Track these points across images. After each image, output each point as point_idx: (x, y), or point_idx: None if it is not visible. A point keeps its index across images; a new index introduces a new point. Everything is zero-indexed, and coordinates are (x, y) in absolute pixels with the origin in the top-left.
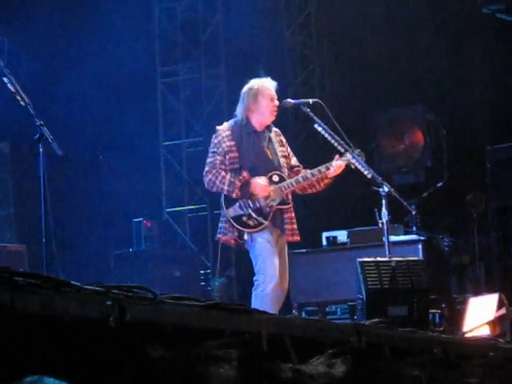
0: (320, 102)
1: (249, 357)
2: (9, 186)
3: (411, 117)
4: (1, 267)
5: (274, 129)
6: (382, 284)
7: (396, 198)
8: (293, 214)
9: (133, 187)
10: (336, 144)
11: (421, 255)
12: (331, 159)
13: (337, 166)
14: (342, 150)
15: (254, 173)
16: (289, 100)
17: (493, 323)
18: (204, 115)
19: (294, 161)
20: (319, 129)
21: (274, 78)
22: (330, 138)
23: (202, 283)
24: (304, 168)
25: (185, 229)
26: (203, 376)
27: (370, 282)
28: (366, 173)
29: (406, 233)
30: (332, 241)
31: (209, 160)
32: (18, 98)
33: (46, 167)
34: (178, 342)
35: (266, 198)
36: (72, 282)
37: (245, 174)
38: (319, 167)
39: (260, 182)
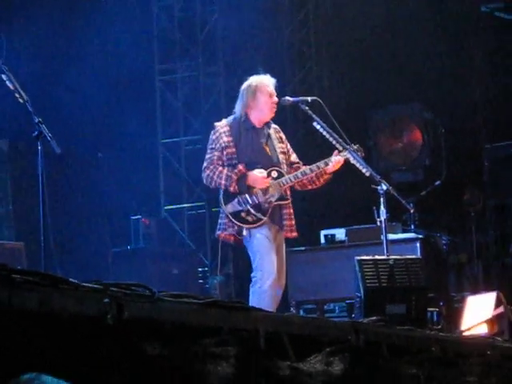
0: (318, 99)
1: (246, 354)
2: (7, 184)
3: (409, 115)
4: None
5: (274, 125)
6: (380, 282)
7: (394, 196)
8: (291, 210)
9: (131, 185)
10: (334, 142)
11: (419, 253)
12: (329, 156)
13: (335, 161)
14: (341, 148)
15: (252, 168)
16: (287, 98)
17: (491, 321)
18: (202, 113)
19: (293, 157)
20: (318, 127)
21: (272, 76)
22: (328, 136)
23: (200, 281)
24: (304, 165)
25: (183, 226)
26: (201, 374)
27: (368, 280)
28: (364, 171)
29: (404, 231)
30: (330, 239)
31: (207, 156)
32: (17, 95)
33: (44, 165)
34: (175, 339)
35: (265, 193)
36: (70, 279)
37: (240, 167)
38: (318, 163)
39: (257, 174)
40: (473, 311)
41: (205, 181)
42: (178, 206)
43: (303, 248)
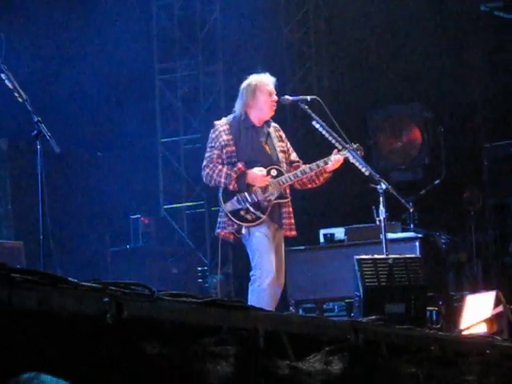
0: (318, 99)
1: (246, 354)
2: (6, 183)
3: (409, 114)
4: None
5: (273, 124)
6: (380, 281)
7: (393, 196)
8: (291, 209)
9: (130, 184)
10: (334, 141)
11: (418, 252)
12: (329, 156)
13: (335, 160)
14: (340, 147)
15: (252, 167)
16: (287, 97)
17: (490, 321)
18: (202, 112)
19: (293, 156)
20: (317, 126)
21: (272, 75)
22: (327, 135)
23: (200, 280)
24: (304, 164)
25: (182, 226)
26: (200, 373)
27: (367, 280)
28: (363, 170)
29: (404, 230)
30: (329, 238)
31: (207, 154)
32: (16, 94)
33: (43, 164)
34: (175, 338)
35: (264, 192)
36: (69, 278)
37: (240, 165)
38: (317, 162)
39: (257, 172)
40: (472, 310)
41: (204, 179)
42: (178, 205)
43: (302, 247)
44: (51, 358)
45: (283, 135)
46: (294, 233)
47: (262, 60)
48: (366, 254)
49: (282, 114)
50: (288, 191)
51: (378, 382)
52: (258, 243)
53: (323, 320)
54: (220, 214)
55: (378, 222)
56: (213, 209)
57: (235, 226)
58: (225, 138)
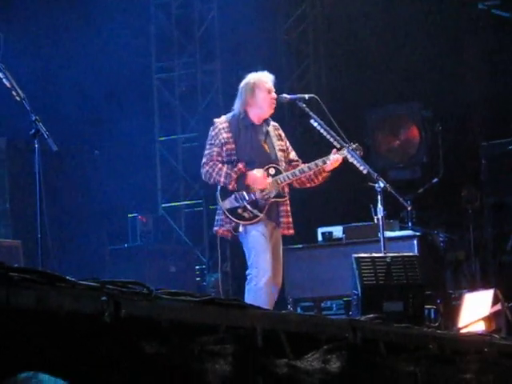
0: (316, 97)
1: (244, 352)
2: (4, 182)
3: (407, 113)
4: None
5: (273, 123)
6: (378, 280)
7: (392, 194)
8: (288, 208)
9: (128, 182)
10: (332, 139)
11: (416, 251)
12: (327, 154)
13: (334, 159)
14: (338, 146)
15: (251, 165)
16: (285, 95)
17: (488, 319)
18: (200, 110)
19: (292, 155)
20: (315, 124)
21: (269, 73)
22: (325, 134)
23: (198, 278)
24: (303, 163)
25: (180, 224)
26: (198, 371)
27: (365, 278)
28: (361, 168)
29: (402, 228)
30: (327, 236)
31: (206, 152)
32: (14, 93)
33: (41, 163)
34: (173, 337)
35: (262, 190)
36: (67, 277)
37: (240, 165)
38: (316, 161)
39: (257, 174)
40: (470, 309)
41: (203, 176)
42: (176, 203)
43: (300, 245)
44: (49, 356)
45: (282, 134)
46: (291, 231)
47: (260, 58)
48: (364, 253)
49: (280, 113)
50: (287, 190)
51: (376, 380)
52: (254, 242)
53: (321, 318)
54: (218, 211)
55: (376, 221)
56: (211, 207)
57: (233, 224)
58: (224, 135)
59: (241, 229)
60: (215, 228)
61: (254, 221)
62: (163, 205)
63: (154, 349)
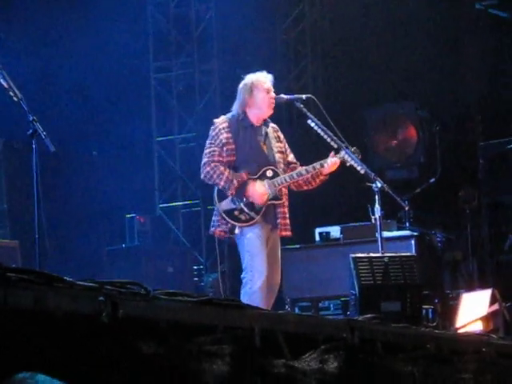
0: (313, 97)
1: (241, 352)
2: (2, 182)
3: (404, 113)
4: None
5: (272, 124)
6: (375, 280)
7: (389, 194)
8: (286, 209)
9: (126, 183)
10: (329, 140)
11: (414, 251)
12: (325, 155)
13: (331, 163)
14: (335, 146)
15: (248, 167)
16: (282, 95)
17: (486, 319)
18: (197, 111)
19: (291, 157)
20: (312, 124)
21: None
22: (322, 134)
23: (195, 279)
24: (301, 165)
25: (178, 224)
26: (196, 372)
27: (362, 278)
28: (359, 168)
29: (399, 228)
30: (325, 236)
31: (207, 151)
32: (11, 93)
33: (39, 163)
34: (170, 337)
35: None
36: (65, 277)
37: (244, 175)
38: (314, 164)
39: (257, 190)
40: (468, 308)
41: (203, 176)
42: (173, 203)
43: (298, 246)
44: (47, 357)
45: (281, 136)
46: (288, 233)
47: (258, 58)
48: (362, 253)
49: (278, 114)
50: (285, 191)
51: (373, 380)
52: (249, 244)
53: (319, 319)
54: (214, 212)
55: (373, 221)
56: (208, 207)
57: (229, 225)
58: (225, 135)
59: (237, 231)
60: (211, 229)
61: (251, 223)
62: (161, 205)
63: (152, 349)
